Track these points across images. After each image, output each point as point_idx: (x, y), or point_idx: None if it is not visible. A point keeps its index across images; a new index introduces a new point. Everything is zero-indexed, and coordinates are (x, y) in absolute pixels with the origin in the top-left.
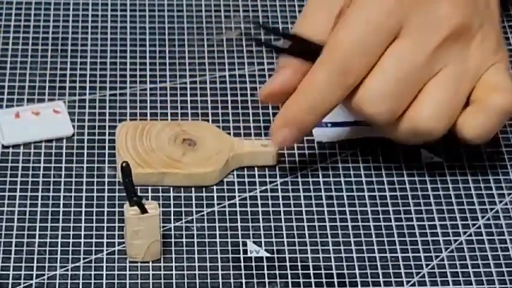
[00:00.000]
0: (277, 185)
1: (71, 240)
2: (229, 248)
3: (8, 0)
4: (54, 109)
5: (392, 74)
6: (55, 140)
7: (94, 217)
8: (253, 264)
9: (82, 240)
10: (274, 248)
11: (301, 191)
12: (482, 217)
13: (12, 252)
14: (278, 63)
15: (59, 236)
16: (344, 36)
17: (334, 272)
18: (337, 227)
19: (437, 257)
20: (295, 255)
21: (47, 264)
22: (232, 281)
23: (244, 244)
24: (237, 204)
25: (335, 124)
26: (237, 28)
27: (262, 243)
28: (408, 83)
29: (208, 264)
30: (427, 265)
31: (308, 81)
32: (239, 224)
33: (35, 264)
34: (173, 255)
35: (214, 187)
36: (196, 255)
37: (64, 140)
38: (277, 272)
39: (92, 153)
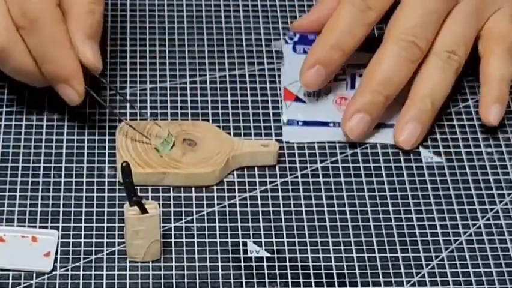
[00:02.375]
0: (277, 185)
1: (71, 240)
2: (229, 248)
3: None
4: None
5: (418, 9)
6: (55, 140)
7: (94, 217)
8: (253, 264)
9: (82, 240)
10: (274, 248)
11: (301, 191)
12: (482, 217)
13: None
14: None
15: (59, 236)
16: None
17: (334, 272)
18: (337, 227)
19: (437, 257)
20: (295, 255)
21: None
22: (232, 281)
23: (244, 244)
24: (237, 204)
25: (305, 123)
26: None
27: (262, 243)
28: (432, 16)
29: (208, 264)
30: (427, 265)
31: (333, 19)
32: (239, 224)
33: None
34: (174, 255)
35: (214, 187)
36: (196, 255)
37: (64, 140)
38: (277, 272)
39: (92, 153)
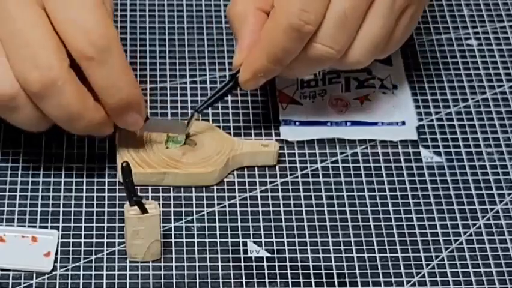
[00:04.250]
0: (277, 185)
1: (71, 240)
2: (229, 248)
3: None
4: None
5: (339, 12)
6: (55, 140)
7: (94, 217)
8: (254, 264)
9: (82, 240)
10: (274, 248)
11: (301, 191)
12: (482, 217)
13: None
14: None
15: (59, 236)
16: None
17: (334, 272)
18: (337, 227)
19: (437, 257)
20: (295, 255)
21: None
22: (232, 281)
23: (245, 244)
24: (237, 204)
25: (302, 123)
26: None
27: (262, 243)
28: (354, 14)
29: (208, 264)
30: (427, 265)
31: (267, 35)
32: (239, 224)
33: None
34: (174, 255)
35: (214, 187)
36: (196, 255)
37: (64, 140)
38: (277, 272)
39: (92, 153)
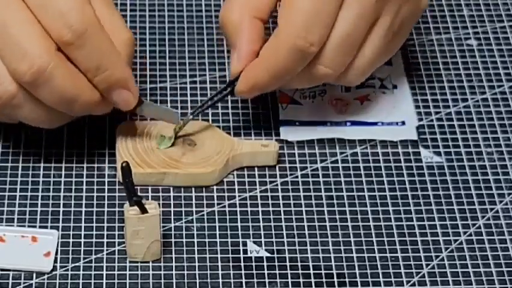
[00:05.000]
0: (277, 185)
1: (71, 240)
2: (229, 248)
3: None
4: None
5: (342, 35)
6: (56, 140)
7: (94, 217)
8: (253, 264)
9: (82, 240)
10: (274, 248)
11: (301, 191)
12: (482, 217)
13: None
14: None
15: (59, 236)
16: (301, 5)
17: (334, 272)
18: (337, 227)
19: (437, 257)
20: (295, 255)
21: None
22: (232, 281)
23: (244, 244)
24: (237, 204)
25: (302, 123)
26: None
27: (262, 243)
28: (356, 37)
29: (208, 264)
30: (427, 265)
31: (270, 52)
32: (239, 224)
33: None
34: (174, 255)
35: (214, 187)
36: (196, 255)
37: (64, 140)
38: (277, 272)
39: (92, 153)
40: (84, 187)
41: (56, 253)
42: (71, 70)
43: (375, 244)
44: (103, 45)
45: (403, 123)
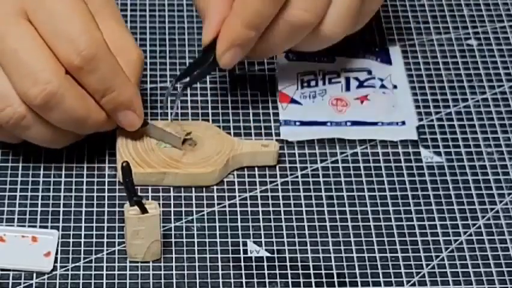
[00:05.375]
0: (277, 185)
1: (71, 240)
2: (229, 248)
3: None
4: None
5: None
6: None
7: (94, 217)
8: (253, 264)
9: (82, 240)
10: (274, 248)
11: (301, 191)
12: (482, 217)
13: None
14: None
15: (59, 236)
16: None
17: (334, 272)
18: (337, 227)
19: (437, 257)
20: (295, 255)
21: None
22: (232, 281)
23: (245, 244)
24: (237, 204)
25: (303, 123)
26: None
27: (262, 243)
28: None
29: (208, 264)
30: (427, 265)
31: (241, 0)
32: (239, 224)
33: None
34: (174, 255)
35: (214, 187)
36: (196, 255)
37: None
38: (277, 272)
39: (92, 153)
40: (84, 187)
41: (56, 253)
42: (80, 92)
43: (375, 244)
44: (110, 68)
45: (403, 123)
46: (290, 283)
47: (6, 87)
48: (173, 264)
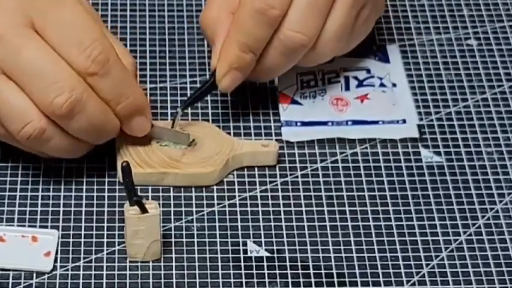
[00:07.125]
0: (277, 185)
1: (71, 240)
2: (229, 248)
3: None
4: None
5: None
6: None
7: (94, 217)
8: (253, 264)
9: (82, 240)
10: (274, 248)
11: (301, 191)
12: (482, 217)
13: None
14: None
15: (59, 236)
16: None
17: (334, 272)
18: (337, 227)
19: (437, 257)
20: (295, 255)
21: None
22: (232, 280)
23: (244, 244)
24: (237, 204)
25: (304, 123)
26: None
27: (262, 243)
28: (322, 3)
29: (208, 264)
30: (427, 265)
31: (236, 24)
32: (239, 224)
33: None
34: (174, 255)
35: (214, 187)
36: (196, 255)
37: None
38: (277, 272)
39: (92, 153)
40: (84, 187)
41: (56, 253)
42: (99, 100)
43: (375, 244)
44: (123, 73)
45: (404, 121)
46: (290, 283)
47: (24, 103)
48: (173, 264)
